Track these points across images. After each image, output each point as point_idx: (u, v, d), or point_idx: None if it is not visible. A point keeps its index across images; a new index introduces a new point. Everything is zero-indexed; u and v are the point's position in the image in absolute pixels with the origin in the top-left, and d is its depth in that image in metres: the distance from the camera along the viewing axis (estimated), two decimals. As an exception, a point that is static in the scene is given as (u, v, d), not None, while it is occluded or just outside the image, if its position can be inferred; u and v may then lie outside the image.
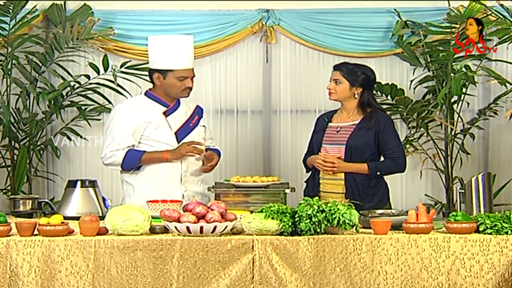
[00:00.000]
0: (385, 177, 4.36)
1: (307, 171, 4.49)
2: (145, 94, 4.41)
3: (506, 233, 3.41)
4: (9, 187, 5.63)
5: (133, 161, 4.25)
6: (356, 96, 4.33)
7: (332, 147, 4.32)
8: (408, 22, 5.74)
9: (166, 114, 4.32)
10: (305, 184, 4.49)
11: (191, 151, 4.23)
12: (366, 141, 4.26)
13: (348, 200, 3.77)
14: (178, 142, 4.29)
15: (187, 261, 3.32)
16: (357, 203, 3.80)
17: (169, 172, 4.29)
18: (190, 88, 4.31)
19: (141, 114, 4.27)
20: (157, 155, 4.25)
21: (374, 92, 5.70)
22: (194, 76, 4.34)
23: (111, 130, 4.29)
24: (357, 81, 4.32)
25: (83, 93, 5.70)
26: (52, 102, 5.63)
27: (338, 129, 4.34)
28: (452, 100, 5.67)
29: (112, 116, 4.35)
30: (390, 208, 4.26)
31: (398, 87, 5.75)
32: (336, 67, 4.39)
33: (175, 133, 4.31)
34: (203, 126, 4.47)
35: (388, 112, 5.58)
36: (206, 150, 4.42)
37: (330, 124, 4.39)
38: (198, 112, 4.47)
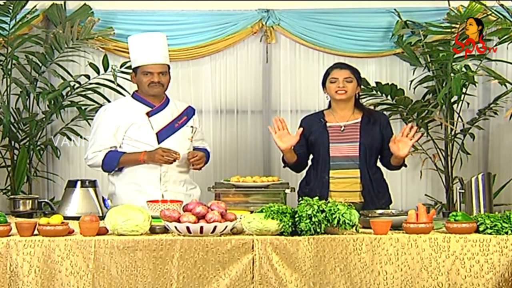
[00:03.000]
0: (385, 176, 4.39)
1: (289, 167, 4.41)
2: (132, 95, 4.44)
3: (506, 233, 3.41)
4: (9, 187, 5.63)
5: (112, 162, 4.27)
6: (358, 95, 4.38)
7: (342, 146, 4.29)
8: (408, 22, 5.74)
9: (149, 114, 4.32)
10: (298, 185, 4.43)
11: (165, 159, 4.17)
12: (375, 137, 4.29)
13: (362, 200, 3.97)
14: (159, 143, 4.28)
15: (187, 261, 3.31)
16: (370, 201, 3.96)
17: (149, 172, 4.28)
18: (159, 83, 4.27)
19: (124, 115, 4.29)
20: (135, 156, 4.25)
21: (374, 92, 5.76)
22: (166, 72, 4.30)
23: (94, 131, 4.34)
24: (360, 79, 4.38)
25: (83, 93, 5.70)
26: (52, 102, 5.63)
27: (342, 128, 4.33)
28: (452, 100, 5.67)
29: (96, 118, 4.39)
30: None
31: (398, 87, 5.74)
32: (342, 66, 4.38)
33: (157, 134, 4.30)
34: (191, 126, 4.44)
35: (388, 112, 5.60)
36: (194, 149, 4.43)
37: (328, 124, 4.36)
38: (188, 112, 4.46)
